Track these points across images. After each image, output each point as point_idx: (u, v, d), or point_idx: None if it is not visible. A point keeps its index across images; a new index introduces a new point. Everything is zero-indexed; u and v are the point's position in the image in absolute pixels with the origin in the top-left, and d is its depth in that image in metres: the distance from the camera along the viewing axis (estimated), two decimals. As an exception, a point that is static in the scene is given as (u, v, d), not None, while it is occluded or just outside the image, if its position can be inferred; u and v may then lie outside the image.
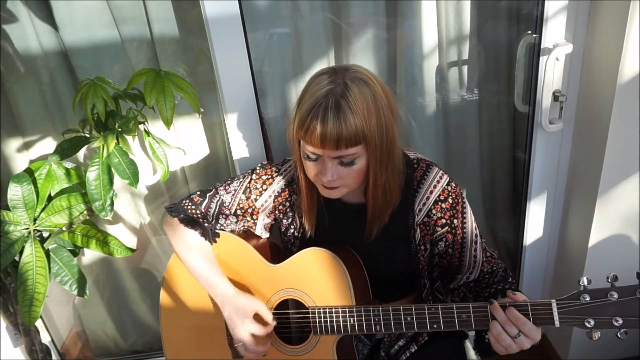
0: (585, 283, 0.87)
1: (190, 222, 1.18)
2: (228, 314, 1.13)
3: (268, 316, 1.11)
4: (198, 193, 1.21)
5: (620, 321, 0.85)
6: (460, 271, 1.15)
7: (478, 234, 1.14)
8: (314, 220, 1.14)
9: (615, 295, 0.85)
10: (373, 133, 0.95)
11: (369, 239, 1.10)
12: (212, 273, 1.16)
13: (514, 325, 0.90)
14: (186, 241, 1.18)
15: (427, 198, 1.09)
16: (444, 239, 1.12)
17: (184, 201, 1.20)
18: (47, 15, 1.41)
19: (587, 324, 0.87)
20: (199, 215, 1.19)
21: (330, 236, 1.14)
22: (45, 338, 1.74)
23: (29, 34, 1.42)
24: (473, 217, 1.14)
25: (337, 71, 0.96)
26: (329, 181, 0.99)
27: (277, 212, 1.20)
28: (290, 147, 1.07)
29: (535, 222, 1.65)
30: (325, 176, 0.98)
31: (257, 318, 1.11)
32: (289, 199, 1.18)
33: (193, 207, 1.19)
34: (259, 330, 1.09)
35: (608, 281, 0.86)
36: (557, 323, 0.89)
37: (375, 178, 1.00)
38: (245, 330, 1.10)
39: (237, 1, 1.25)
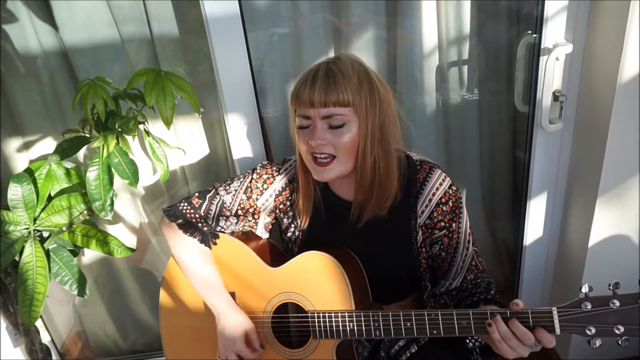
0: (587, 290, 0.87)
1: (189, 228, 1.18)
2: (222, 328, 1.14)
3: (256, 342, 1.13)
4: (197, 195, 1.19)
5: (622, 329, 0.84)
6: (446, 277, 1.15)
7: (471, 240, 1.14)
8: (310, 210, 1.14)
9: (617, 304, 0.84)
10: (365, 102, 0.99)
11: (356, 225, 1.09)
12: (211, 282, 1.17)
13: (519, 341, 0.90)
14: (185, 248, 1.18)
15: (430, 200, 1.09)
16: (440, 242, 1.12)
17: (182, 204, 1.18)
18: (47, 15, 1.41)
19: (588, 332, 0.86)
20: (198, 219, 1.18)
21: (328, 235, 1.14)
22: (45, 338, 1.74)
23: (29, 34, 1.42)
24: (468, 223, 1.14)
25: (332, 57, 1.05)
26: (318, 145, 0.99)
27: (277, 211, 1.20)
28: (292, 139, 1.09)
29: (535, 222, 1.65)
30: (314, 139, 0.99)
31: (247, 340, 1.14)
32: (289, 197, 1.18)
33: (192, 210, 1.17)
34: (247, 353, 1.12)
35: (610, 288, 0.85)
36: (557, 331, 0.88)
37: (365, 149, 1.01)
38: (231, 350, 1.12)
39: (237, 1, 1.25)
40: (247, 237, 1.23)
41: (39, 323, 1.59)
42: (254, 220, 1.21)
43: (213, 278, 1.17)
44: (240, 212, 1.19)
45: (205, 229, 1.19)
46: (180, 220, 1.17)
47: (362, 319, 1.03)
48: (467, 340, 1.12)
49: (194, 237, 1.17)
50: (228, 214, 1.19)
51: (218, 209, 1.18)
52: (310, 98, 0.98)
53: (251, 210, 1.19)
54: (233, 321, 1.13)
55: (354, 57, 1.04)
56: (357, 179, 1.05)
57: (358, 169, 1.04)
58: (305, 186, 1.12)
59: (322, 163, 1.02)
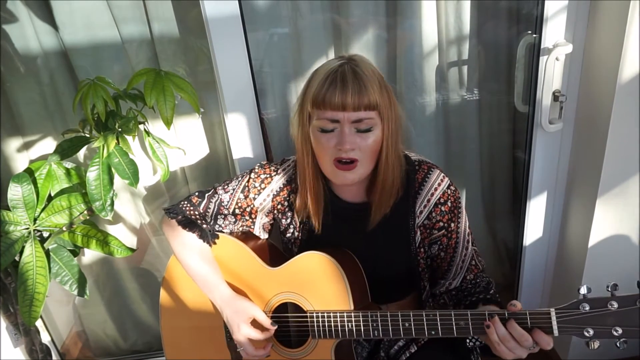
0: (585, 292, 0.86)
1: (189, 224, 1.18)
2: (227, 318, 1.13)
3: (266, 321, 1.11)
4: (196, 194, 1.20)
5: (620, 331, 0.84)
6: (445, 276, 1.15)
7: (471, 240, 1.14)
8: (322, 214, 1.12)
9: (615, 305, 0.84)
10: (386, 104, 0.99)
11: (372, 226, 1.09)
12: (210, 276, 1.16)
13: (517, 343, 0.90)
14: (185, 243, 1.18)
15: (428, 200, 1.09)
16: (439, 242, 1.12)
17: (182, 202, 1.20)
18: (47, 15, 1.41)
19: (586, 334, 0.86)
20: (197, 217, 1.18)
21: (331, 237, 1.14)
22: (45, 338, 1.74)
23: (29, 34, 1.42)
24: (467, 223, 1.14)
25: (343, 57, 1.02)
26: (347, 150, 0.98)
27: (275, 211, 1.20)
28: (294, 142, 1.08)
29: (535, 222, 1.65)
30: (344, 144, 0.97)
31: (256, 323, 1.11)
32: (287, 198, 1.18)
33: (191, 208, 1.18)
34: (255, 334, 1.09)
35: (608, 290, 0.85)
36: (555, 332, 0.88)
37: (387, 151, 1.02)
38: (241, 334, 1.10)
39: (237, 1, 1.25)
40: (247, 237, 1.23)
41: (39, 323, 1.59)
42: (251, 220, 1.21)
43: (213, 273, 1.17)
44: (237, 211, 1.19)
45: (204, 226, 1.19)
46: (180, 217, 1.18)
47: (361, 319, 1.03)
48: (467, 340, 1.12)
49: (194, 232, 1.17)
50: (226, 212, 1.19)
51: (216, 207, 1.19)
52: (343, 101, 0.95)
53: (248, 209, 1.19)
54: (235, 309, 1.12)
55: (368, 61, 1.03)
56: (380, 182, 1.05)
57: (381, 171, 1.04)
58: (316, 189, 1.09)
59: (346, 167, 1.01)
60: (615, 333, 0.84)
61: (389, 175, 1.04)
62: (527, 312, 0.90)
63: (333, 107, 0.96)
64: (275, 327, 1.10)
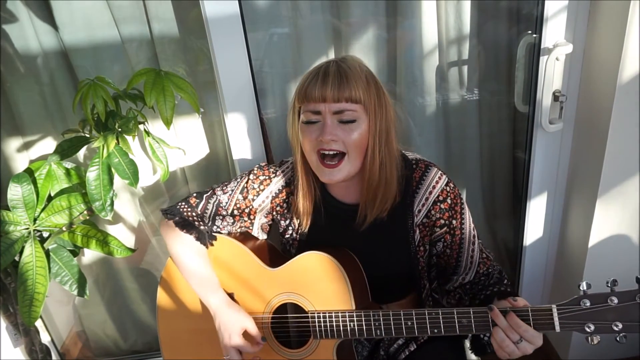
0: (585, 288, 0.87)
1: (186, 225, 1.17)
2: (218, 325, 1.14)
3: (257, 335, 1.12)
4: (195, 195, 1.20)
5: (620, 326, 0.85)
6: (456, 272, 1.15)
7: (476, 234, 1.14)
8: (311, 212, 1.14)
9: (615, 301, 0.85)
10: (373, 101, 1.00)
11: (360, 227, 1.09)
12: (205, 281, 1.16)
13: (516, 332, 0.91)
14: (181, 245, 1.17)
15: (427, 199, 1.09)
16: (443, 240, 1.12)
17: (180, 203, 1.19)
18: (47, 15, 1.41)
19: (587, 329, 0.87)
20: (195, 218, 1.18)
21: (327, 237, 1.14)
22: (45, 338, 1.74)
23: (29, 34, 1.42)
24: (471, 218, 1.14)
25: (337, 57, 1.06)
26: (328, 141, 0.99)
27: (274, 213, 1.20)
28: (290, 141, 1.08)
29: (535, 222, 1.65)
30: (325, 134, 0.99)
31: (247, 334, 1.12)
32: (286, 200, 1.18)
33: (189, 209, 1.18)
34: (246, 347, 1.11)
35: (608, 286, 0.86)
36: (557, 328, 0.89)
37: (374, 148, 1.02)
38: (231, 344, 1.11)
39: (237, 1, 1.25)
40: (246, 237, 1.23)
41: (39, 323, 1.59)
42: (249, 221, 1.21)
43: (209, 276, 1.17)
44: (236, 212, 1.19)
45: (202, 227, 1.19)
46: (177, 218, 1.18)
47: (363, 318, 1.03)
48: (482, 336, 1.11)
49: (191, 234, 1.17)
50: (224, 213, 1.19)
51: (214, 208, 1.18)
52: (323, 93, 0.98)
53: (247, 210, 1.19)
54: (228, 318, 1.13)
55: (358, 59, 1.05)
56: (365, 180, 1.05)
57: (367, 169, 1.04)
58: (306, 188, 1.11)
59: (331, 165, 1.01)
60: (615, 328, 0.86)
61: (375, 174, 1.04)
62: (529, 308, 0.91)
63: (314, 99, 0.99)
64: (264, 342, 1.12)
